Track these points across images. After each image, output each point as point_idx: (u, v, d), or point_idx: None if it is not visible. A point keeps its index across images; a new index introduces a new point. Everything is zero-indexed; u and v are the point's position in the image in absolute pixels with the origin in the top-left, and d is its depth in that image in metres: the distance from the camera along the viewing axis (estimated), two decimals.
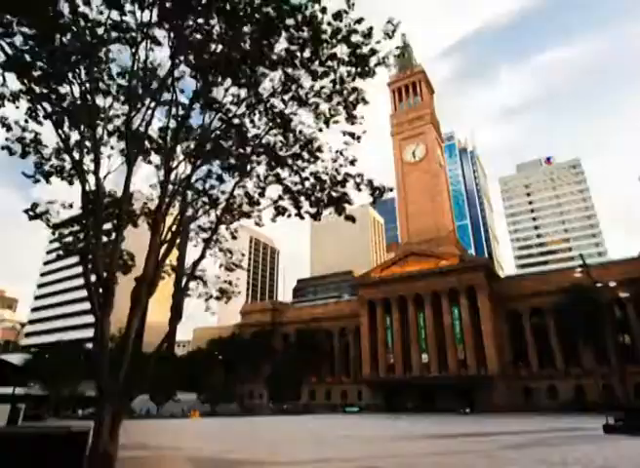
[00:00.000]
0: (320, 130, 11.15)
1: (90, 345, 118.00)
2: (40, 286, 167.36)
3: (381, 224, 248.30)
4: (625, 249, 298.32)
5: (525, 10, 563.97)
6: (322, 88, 10.82)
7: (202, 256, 11.59)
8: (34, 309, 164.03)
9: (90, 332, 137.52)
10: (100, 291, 10.21)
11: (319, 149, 11.37)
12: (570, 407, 70.56)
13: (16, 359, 78.86)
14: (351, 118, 11.20)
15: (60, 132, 10.19)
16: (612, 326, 28.36)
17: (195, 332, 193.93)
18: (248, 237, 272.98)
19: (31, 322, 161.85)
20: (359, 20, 9.67)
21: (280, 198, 11.85)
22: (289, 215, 11.82)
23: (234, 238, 14.15)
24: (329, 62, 10.15)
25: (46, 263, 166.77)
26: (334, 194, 11.23)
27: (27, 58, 9.65)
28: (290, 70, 9.88)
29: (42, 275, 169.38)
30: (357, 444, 19.50)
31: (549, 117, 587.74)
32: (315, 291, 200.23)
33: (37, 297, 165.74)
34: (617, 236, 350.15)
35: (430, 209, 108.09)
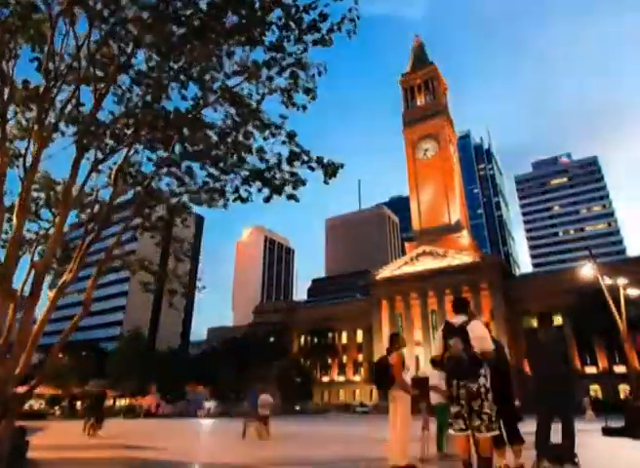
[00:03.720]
0: (258, 102, 10.25)
1: (104, 344, 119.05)
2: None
3: (397, 224, 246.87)
4: None
5: None
6: (271, 58, 9.84)
7: (117, 241, 10.78)
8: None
9: (102, 332, 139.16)
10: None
11: (276, 125, 10.44)
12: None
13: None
14: (310, 92, 10.20)
15: None
16: (624, 325, 27.15)
17: (209, 332, 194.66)
18: (263, 236, 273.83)
19: None
20: None
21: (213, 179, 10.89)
22: (237, 199, 10.90)
23: (170, 225, 13.23)
24: (260, 29, 9.19)
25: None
26: (278, 174, 10.36)
27: None
28: (213, 36, 8.96)
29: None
30: (340, 445, 18.70)
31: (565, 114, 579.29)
32: (331, 290, 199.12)
33: None
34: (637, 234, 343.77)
35: (443, 207, 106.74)
